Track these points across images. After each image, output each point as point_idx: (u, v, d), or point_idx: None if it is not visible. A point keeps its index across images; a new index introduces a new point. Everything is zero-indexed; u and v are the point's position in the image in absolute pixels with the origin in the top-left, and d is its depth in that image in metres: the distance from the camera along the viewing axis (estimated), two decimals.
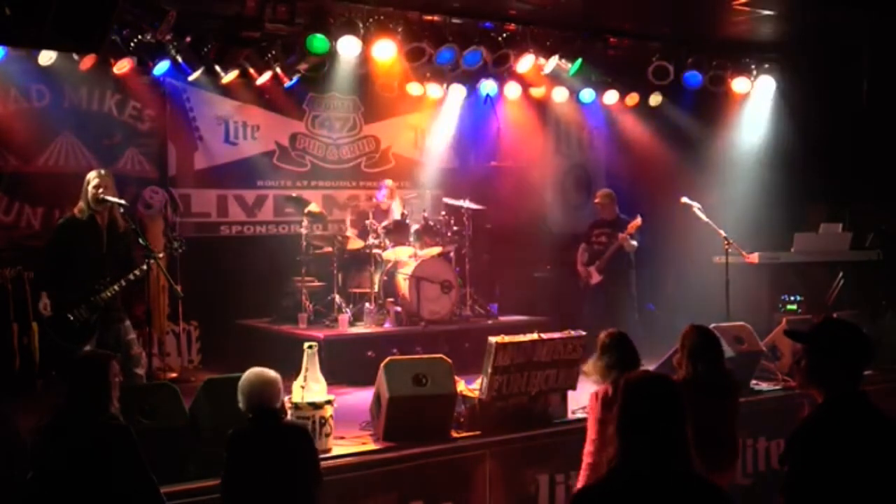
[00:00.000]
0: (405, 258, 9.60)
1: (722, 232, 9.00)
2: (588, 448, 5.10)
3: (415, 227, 9.74)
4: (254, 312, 9.87)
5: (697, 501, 3.05)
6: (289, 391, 5.95)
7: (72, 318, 6.58)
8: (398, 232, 9.69)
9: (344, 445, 6.23)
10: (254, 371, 4.91)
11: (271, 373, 4.93)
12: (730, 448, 5.19)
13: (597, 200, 10.06)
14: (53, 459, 4.18)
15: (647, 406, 3.07)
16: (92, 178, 6.77)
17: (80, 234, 6.71)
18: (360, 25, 8.96)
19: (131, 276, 6.73)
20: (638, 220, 9.57)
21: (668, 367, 7.13)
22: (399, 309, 9.35)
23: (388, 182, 10.33)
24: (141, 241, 6.81)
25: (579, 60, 10.20)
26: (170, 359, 9.27)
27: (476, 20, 9.66)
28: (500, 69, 10.04)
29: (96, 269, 6.69)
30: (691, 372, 5.11)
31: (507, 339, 6.66)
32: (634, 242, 9.63)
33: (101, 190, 6.72)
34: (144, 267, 6.80)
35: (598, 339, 5.28)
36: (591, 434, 5.11)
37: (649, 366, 7.91)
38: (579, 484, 5.15)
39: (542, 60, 10.04)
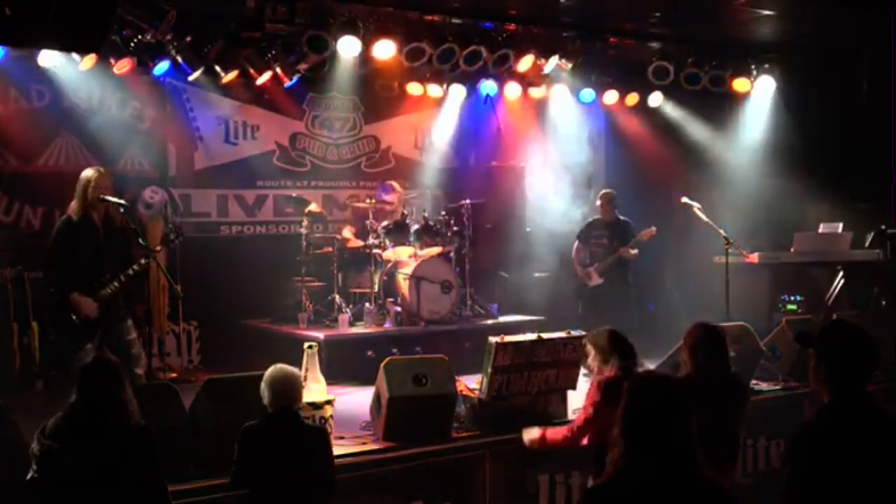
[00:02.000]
0: (405, 258, 9.60)
1: (722, 232, 9.00)
2: (581, 415, 5.29)
3: (415, 227, 9.75)
4: (254, 312, 9.86)
5: (704, 502, 3.04)
6: None
7: (74, 317, 6.58)
8: (398, 232, 9.69)
9: (344, 445, 6.23)
10: (279, 367, 4.93)
11: (296, 371, 4.96)
12: (730, 448, 5.19)
13: (598, 201, 10.03)
14: (73, 461, 4.15)
15: (652, 407, 3.06)
16: (92, 178, 6.77)
17: (78, 233, 6.71)
18: (360, 25, 8.96)
19: (130, 272, 6.74)
20: (652, 230, 9.56)
21: (668, 366, 7.16)
22: (399, 309, 9.35)
23: (394, 184, 10.30)
24: (141, 240, 6.82)
25: (579, 60, 10.22)
26: (170, 359, 9.27)
27: (476, 20, 9.66)
28: (500, 69, 10.04)
29: (96, 267, 6.71)
30: (694, 369, 5.12)
31: (507, 339, 6.67)
32: (634, 251, 9.60)
33: (100, 190, 6.73)
34: (143, 261, 6.80)
35: (593, 336, 5.36)
36: (585, 411, 5.25)
37: (650, 366, 7.93)
38: (556, 435, 5.31)
39: (542, 60, 10.05)
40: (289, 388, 4.85)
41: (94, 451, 4.12)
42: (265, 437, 4.76)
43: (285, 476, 4.68)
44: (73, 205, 6.79)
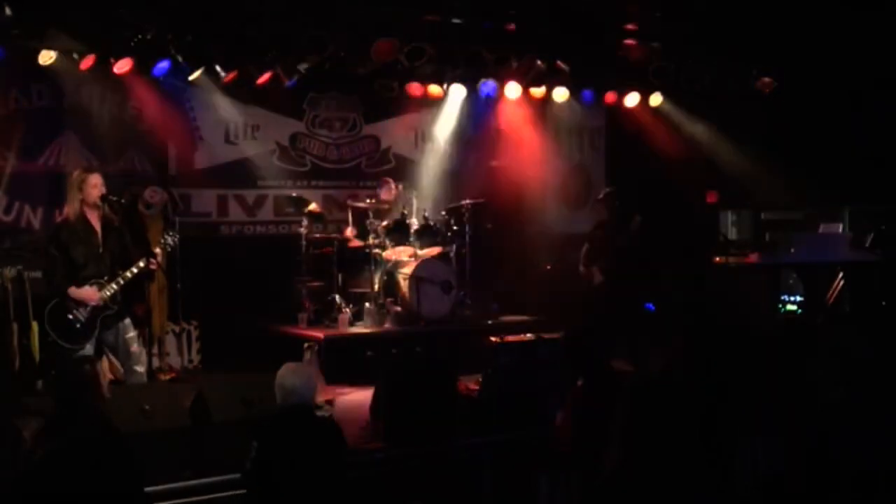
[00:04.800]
0: (405, 258, 9.61)
1: (722, 232, 9.00)
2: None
3: (415, 227, 9.75)
4: (254, 312, 9.84)
5: (702, 502, 3.05)
6: None
7: (71, 317, 6.58)
8: (398, 232, 9.69)
9: None
10: (293, 365, 4.93)
11: (308, 368, 4.95)
12: (728, 448, 5.19)
13: (599, 199, 10.00)
14: (50, 465, 4.15)
15: (649, 409, 3.06)
16: (82, 178, 6.77)
17: (75, 234, 6.71)
18: (360, 25, 8.96)
19: (128, 274, 6.75)
20: (636, 218, 9.46)
21: (668, 367, 7.15)
22: (399, 309, 9.35)
23: (390, 180, 10.32)
24: (141, 241, 6.83)
25: (579, 60, 10.24)
26: (170, 359, 9.27)
27: (476, 20, 9.66)
28: (500, 69, 10.03)
29: (95, 268, 6.71)
30: (692, 369, 5.13)
31: (507, 338, 6.68)
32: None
33: (97, 190, 6.73)
34: (141, 264, 6.80)
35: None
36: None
37: (650, 366, 7.94)
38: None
39: (542, 61, 10.05)
40: (299, 386, 4.83)
41: (69, 458, 4.12)
42: (278, 433, 4.76)
43: (298, 472, 4.67)
44: (68, 206, 6.80)
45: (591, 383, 5.12)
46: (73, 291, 6.60)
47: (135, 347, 6.96)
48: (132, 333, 6.96)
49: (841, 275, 9.82)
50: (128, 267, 6.77)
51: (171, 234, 7.39)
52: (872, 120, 10.61)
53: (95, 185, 6.75)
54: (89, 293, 6.60)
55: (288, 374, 4.86)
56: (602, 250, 9.68)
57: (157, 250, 7.22)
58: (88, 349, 6.62)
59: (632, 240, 9.51)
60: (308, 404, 4.90)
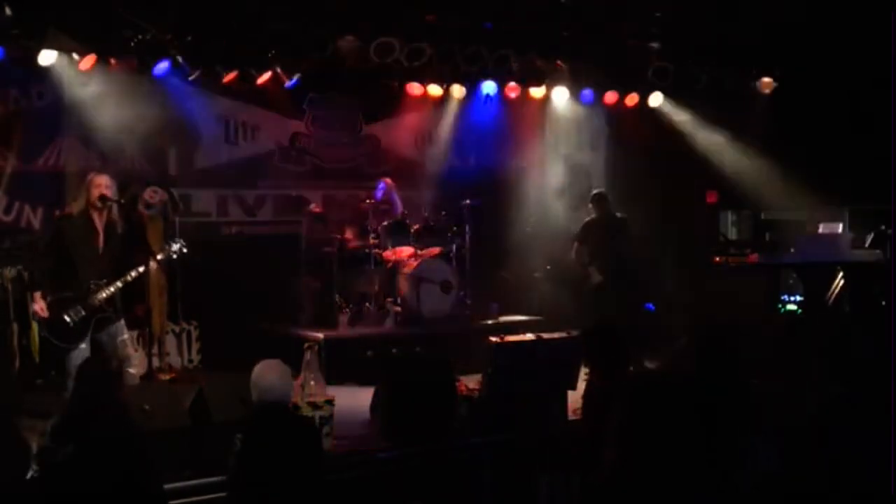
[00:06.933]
0: (405, 258, 9.61)
1: (722, 232, 9.01)
2: None
3: (415, 227, 9.75)
4: (254, 312, 9.84)
5: (700, 502, 3.05)
6: None
7: (67, 317, 6.57)
8: (398, 232, 9.70)
9: (344, 445, 6.23)
10: (268, 363, 4.88)
11: (283, 366, 4.91)
12: (731, 449, 5.18)
13: (590, 203, 10.02)
14: (66, 459, 4.15)
15: (649, 409, 3.06)
16: (96, 178, 6.77)
17: (76, 233, 6.70)
18: (360, 25, 8.96)
19: (128, 277, 6.74)
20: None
21: (668, 367, 7.17)
22: (399, 309, 9.36)
23: (387, 180, 10.33)
24: (141, 242, 6.83)
25: (579, 60, 10.24)
26: (170, 359, 9.26)
27: (476, 20, 9.67)
28: (500, 69, 10.04)
29: (94, 268, 6.69)
30: (700, 368, 5.12)
31: (507, 338, 6.68)
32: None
33: (99, 189, 6.72)
34: (142, 269, 6.80)
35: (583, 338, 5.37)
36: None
37: (650, 366, 7.95)
38: None
39: (542, 61, 10.05)
40: (276, 385, 4.80)
41: (90, 453, 4.12)
42: (254, 435, 4.72)
43: (276, 472, 4.66)
44: (74, 202, 6.79)
45: (609, 380, 5.11)
46: (35, 296, 6.58)
47: (128, 350, 6.96)
48: (125, 336, 6.95)
49: (841, 275, 9.82)
50: (127, 270, 6.76)
51: (178, 240, 7.35)
52: (872, 120, 10.60)
53: (98, 185, 6.74)
54: (39, 306, 6.56)
55: (264, 372, 4.82)
56: (599, 250, 9.70)
57: (161, 257, 7.20)
58: (83, 348, 6.61)
59: (632, 242, 9.55)
60: (284, 402, 4.86)
